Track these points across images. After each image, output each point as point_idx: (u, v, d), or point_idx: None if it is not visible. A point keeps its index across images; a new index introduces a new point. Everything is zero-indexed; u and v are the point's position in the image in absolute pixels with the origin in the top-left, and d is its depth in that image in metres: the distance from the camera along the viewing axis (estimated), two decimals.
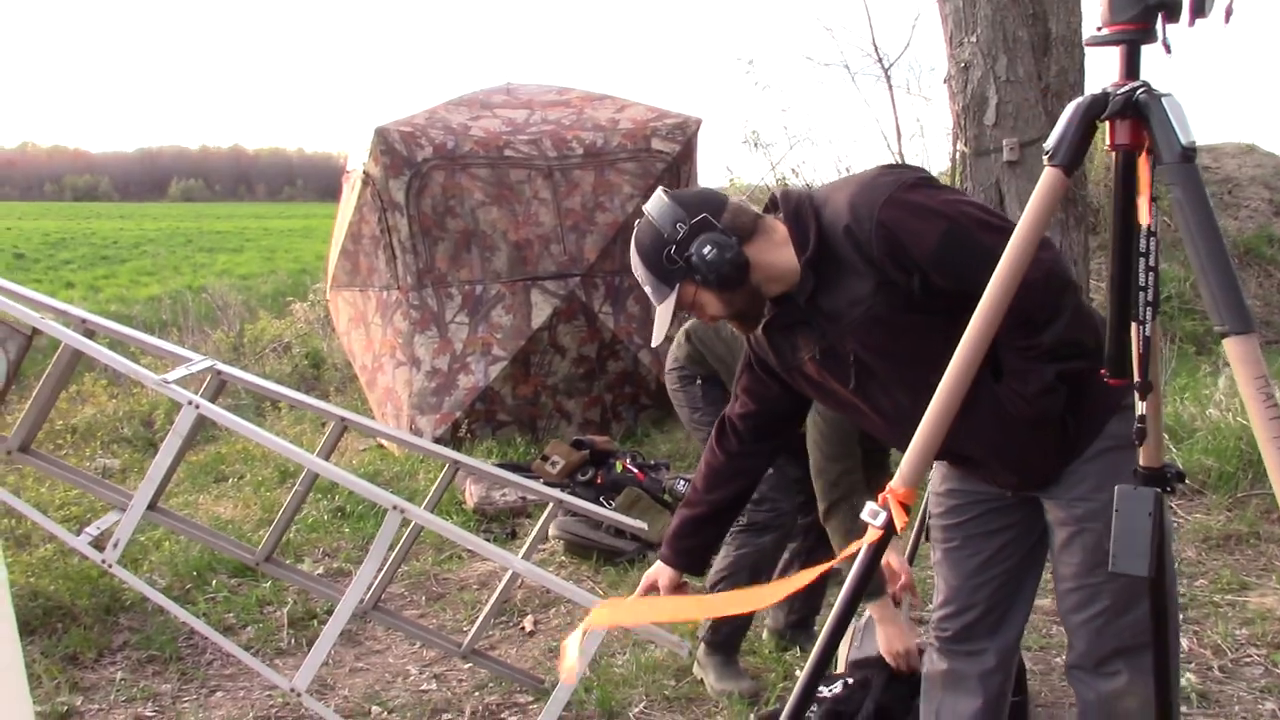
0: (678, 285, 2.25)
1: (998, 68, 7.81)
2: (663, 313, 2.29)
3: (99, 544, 2.88)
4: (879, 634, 3.17)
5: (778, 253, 2.24)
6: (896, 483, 1.76)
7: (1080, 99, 1.76)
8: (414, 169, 6.51)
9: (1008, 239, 1.78)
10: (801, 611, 4.02)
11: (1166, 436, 5.59)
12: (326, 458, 3.35)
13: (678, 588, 2.61)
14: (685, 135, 7.03)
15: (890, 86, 7.81)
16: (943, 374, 1.77)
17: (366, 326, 7.07)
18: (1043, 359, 2.14)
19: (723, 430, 2.58)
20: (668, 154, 6.93)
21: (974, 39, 7.90)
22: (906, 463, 1.76)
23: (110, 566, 2.84)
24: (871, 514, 1.77)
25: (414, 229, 6.57)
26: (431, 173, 6.55)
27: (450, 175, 6.58)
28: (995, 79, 7.84)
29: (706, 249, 2.19)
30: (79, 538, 2.87)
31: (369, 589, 3.23)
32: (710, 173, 8.94)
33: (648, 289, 2.31)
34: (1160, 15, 1.72)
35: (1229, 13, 1.73)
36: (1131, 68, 1.73)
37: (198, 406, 2.79)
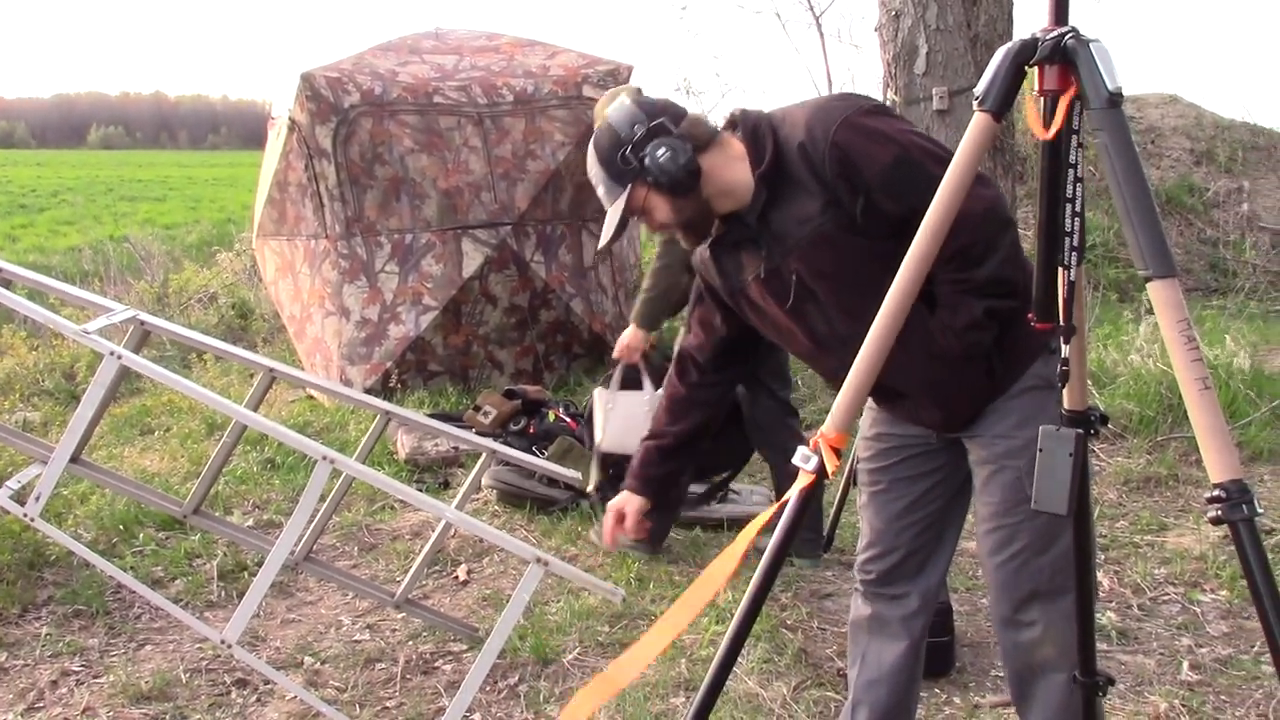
0: (629, 186, 2.29)
1: (928, 16, 7.82)
2: (612, 214, 2.33)
3: (20, 498, 2.82)
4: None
5: (732, 167, 2.28)
6: (828, 427, 1.77)
7: (1009, 44, 1.77)
8: (341, 115, 6.39)
9: None
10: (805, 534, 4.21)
11: (1090, 382, 5.71)
12: (255, 409, 3.30)
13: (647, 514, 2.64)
14: (617, 82, 6.95)
15: (821, 34, 7.81)
16: (880, 302, 1.79)
17: (294, 276, 6.96)
18: (974, 294, 2.18)
19: (681, 363, 2.61)
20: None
21: None
22: (838, 407, 1.77)
23: (33, 521, 2.79)
24: (803, 459, 1.78)
25: (342, 177, 6.46)
26: (359, 119, 6.43)
27: (378, 122, 6.46)
28: (925, 27, 7.86)
29: (660, 151, 2.23)
30: None
31: (299, 540, 3.20)
32: None
33: (600, 190, 2.35)
34: None
35: None
36: (1060, 13, 1.73)
37: (119, 357, 2.73)
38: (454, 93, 6.66)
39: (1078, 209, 1.81)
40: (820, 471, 1.76)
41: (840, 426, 1.77)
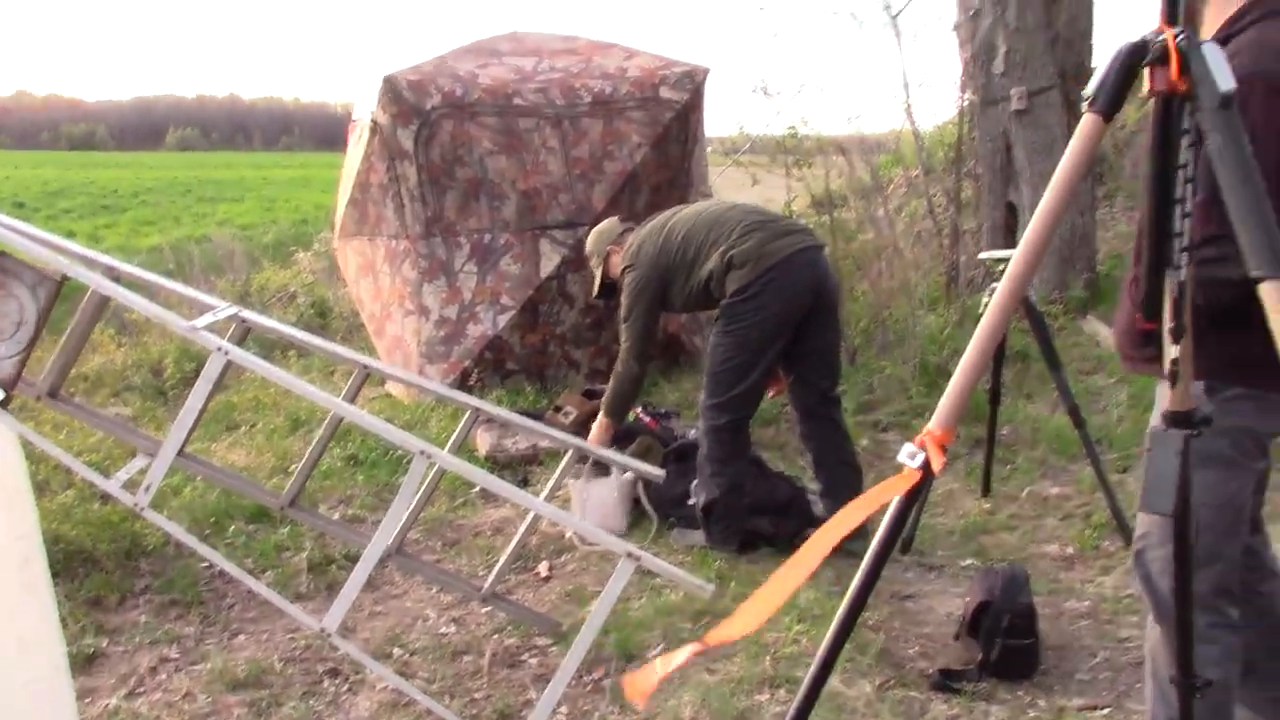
0: None
1: (1007, 15, 7.79)
2: None
3: (129, 488, 2.91)
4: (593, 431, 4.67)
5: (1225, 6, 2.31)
6: (935, 423, 1.79)
7: (1121, 45, 1.78)
8: (423, 117, 6.49)
9: None
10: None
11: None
12: (352, 402, 3.38)
13: None
14: (693, 84, 6.99)
15: (898, 34, 7.77)
16: None
17: (375, 275, 7.07)
18: None
19: None
20: (676, 103, 6.90)
21: None
22: (945, 403, 1.79)
23: (143, 510, 2.88)
24: (909, 455, 1.80)
25: (422, 178, 6.55)
26: (440, 121, 6.52)
27: (459, 124, 6.55)
28: (1004, 27, 7.82)
29: None
30: (110, 481, 2.90)
31: (393, 533, 3.27)
32: (718, 122, 8.91)
33: None
34: None
35: None
36: (1171, 14, 1.74)
37: (227, 353, 2.81)
38: (532, 94, 6.73)
39: (1188, 210, 1.81)
40: (926, 469, 1.78)
41: (947, 423, 1.78)
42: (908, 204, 9.18)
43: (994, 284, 4.59)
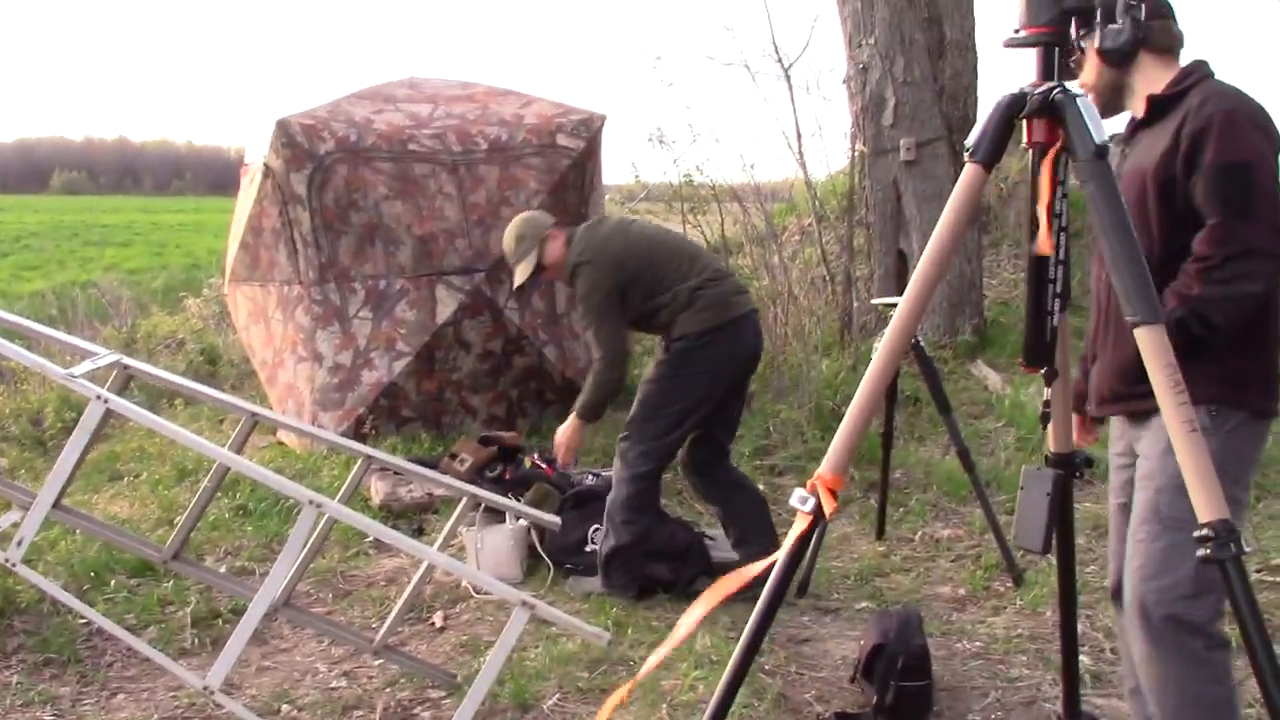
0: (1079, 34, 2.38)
1: (895, 69, 7.99)
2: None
3: (1, 543, 2.80)
4: (563, 429, 4.61)
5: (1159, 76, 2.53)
6: (825, 468, 1.81)
7: (1001, 98, 1.83)
8: (316, 162, 6.42)
9: None
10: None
11: None
12: (238, 452, 3.30)
13: None
14: (590, 131, 7.03)
15: (790, 86, 7.89)
16: None
17: (267, 321, 6.95)
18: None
19: None
20: (572, 150, 6.93)
21: (872, 41, 8.07)
22: (834, 450, 1.81)
23: (15, 566, 2.77)
24: (801, 500, 1.81)
25: (316, 222, 6.47)
26: (334, 166, 6.46)
27: (353, 169, 6.49)
28: (893, 80, 8.02)
29: (1114, 26, 2.38)
30: None
31: (280, 586, 3.19)
32: (615, 169, 8.97)
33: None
34: (1074, 20, 1.80)
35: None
36: (1048, 69, 1.80)
37: (106, 401, 2.73)
38: (429, 140, 6.70)
39: (1061, 257, 1.87)
40: (818, 513, 1.79)
41: (837, 468, 1.80)
42: (802, 251, 9.31)
43: (885, 329, 4.68)
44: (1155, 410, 2.30)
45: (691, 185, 7.84)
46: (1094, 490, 5.38)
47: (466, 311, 6.62)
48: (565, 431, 4.61)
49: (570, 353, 7.02)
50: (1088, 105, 1.74)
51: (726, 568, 4.32)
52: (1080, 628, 4.04)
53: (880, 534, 5.09)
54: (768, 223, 8.41)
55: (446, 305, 6.59)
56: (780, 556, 1.81)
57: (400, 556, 4.92)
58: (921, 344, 4.71)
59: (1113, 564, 2.66)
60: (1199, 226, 2.25)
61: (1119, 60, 2.40)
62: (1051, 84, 1.76)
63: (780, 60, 7.89)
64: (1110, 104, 2.49)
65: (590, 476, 5.17)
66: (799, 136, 7.90)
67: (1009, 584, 4.50)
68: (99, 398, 2.72)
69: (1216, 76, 2.45)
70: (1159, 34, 2.43)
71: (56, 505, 2.97)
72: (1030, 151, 1.80)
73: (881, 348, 1.78)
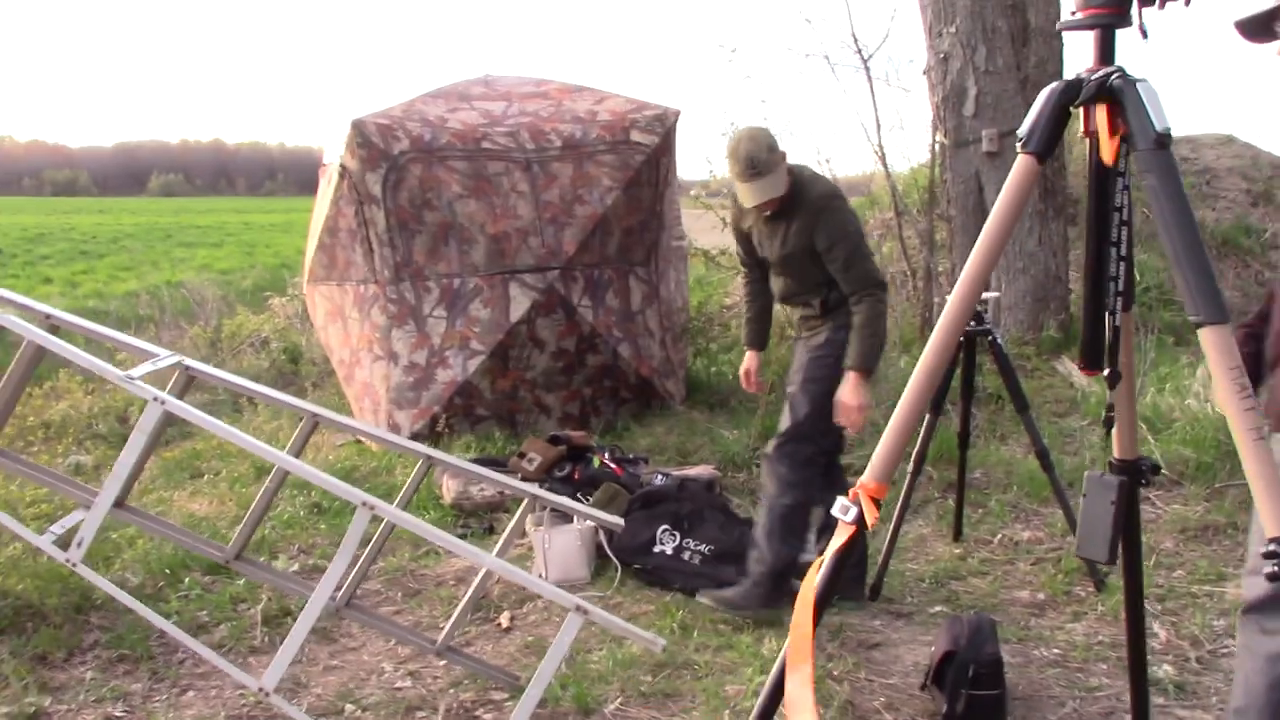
0: None
1: (977, 58, 7.81)
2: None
3: (64, 543, 2.83)
4: (845, 385, 3.94)
5: None
6: (868, 476, 1.73)
7: (1053, 84, 1.74)
8: (390, 162, 6.45)
9: None
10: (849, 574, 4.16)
11: (1146, 427, 5.60)
12: (297, 454, 3.30)
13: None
14: (664, 127, 6.98)
15: (869, 78, 7.76)
16: None
17: (344, 321, 7.01)
18: None
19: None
20: (646, 146, 6.88)
21: (953, 30, 7.89)
22: (878, 456, 1.73)
23: (75, 566, 2.79)
24: (843, 509, 1.73)
25: (391, 222, 6.51)
26: (408, 165, 6.48)
27: (427, 168, 6.51)
28: (974, 70, 7.83)
29: None
30: (43, 537, 2.82)
31: (340, 587, 3.18)
32: (690, 164, 8.88)
33: None
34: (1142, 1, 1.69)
35: None
36: (1106, 52, 1.70)
37: (163, 403, 2.74)
38: (502, 138, 6.70)
39: (1123, 253, 1.77)
40: (860, 523, 1.72)
41: (880, 475, 1.72)
42: (883, 246, 9.15)
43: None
44: None
45: None
46: (1180, 493, 5.20)
47: (540, 309, 6.61)
48: (851, 392, 3.96)
49: (645, 350, 6.97)
50: (1149, 90, 1.64)
51: (800, 567, 4.27)
52: (1165, 635, 3.93)
53: (957, 535, 4.96)
54: None
55: (520, 303, 6.58)
56: (822, 570, 1.73)
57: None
58: (999, 340, 4.57)
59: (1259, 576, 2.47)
60: None
61: None
62: (1110, 69, 1.66)
63: (859, 51, 7.77)
64: None
65: (659, 476, 5.12)
66: (878, 129, 7.76)
67: (1090, 589, 4.35)
68: (156, 399, 2.73)
69: None
70: None
71: (120, 505, 2.98)
72: (1087, 141, 1.70)
73: (925, 351, 1.69)
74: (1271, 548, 1.48)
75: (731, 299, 9.32)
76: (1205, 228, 10.09)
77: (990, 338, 4.53)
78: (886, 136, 7.69)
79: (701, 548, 4.53)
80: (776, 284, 4.28)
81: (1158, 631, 3.95)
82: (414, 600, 4.59)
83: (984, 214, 7.71)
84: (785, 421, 4.14)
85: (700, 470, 5.49)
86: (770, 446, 4.16)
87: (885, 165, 7.87)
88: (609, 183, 6.78)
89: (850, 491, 1.71)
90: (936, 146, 8.12)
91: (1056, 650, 3.91)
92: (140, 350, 3.22)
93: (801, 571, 4.16)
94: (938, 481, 5.60)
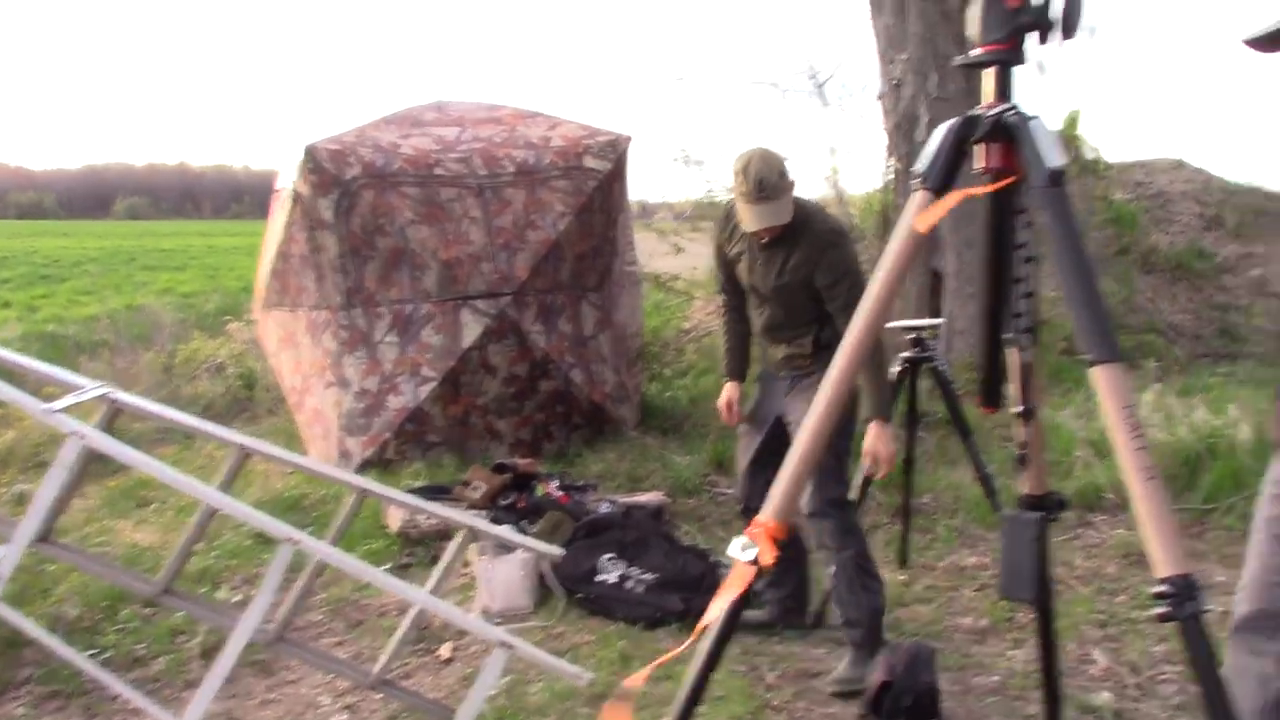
0: None
1: (929, 85, 7.87)
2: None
3: None
4: (870, 434, 3.81)
5: None
6: (767, 514, 1.72)
7: (951, 120, 1.74)
8: (343, 188, 6.42)
9: None
10: (780, 605, 4.28)
11: (1092, 452, 5.63)
12: (227, 487, 3.26)
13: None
14: (616, 153, 6.98)
15: (823, 104, 7.81)
16: None
17: (296, 347, 6.96)
18: None
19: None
20: (599, 171, 6.88)
21: (905, 57, 7.96)
22: (777, 493, 1.72)
23: None
24: (742, 548, 1.72)
25: (343, 248, 6.47)
26: (361, 191, 6.46)
27: (380, 194, 6.48)
28: (926, 96, 7.89)
29: None
30: None
31: (271, 620, 3.14)
32: (642, 190, 8.88)
33: None
34: (1031, 35, 1.70)
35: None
36: (1002, 89, 1.71)
37: (83, 437, 2.70)
38: (455, 164, 6.68)
39: (1029, 289, 1.76)
40: (758, 563, 1.71)
41: (781, 513, 1.71)
42: None
43: (902, 353, 4.57)
44: None
45: (716, 205, 7.76)
46: (1124, 518, 5.22)
47: (492, 335, 6.59)
48: (882, 442, 3.84)
49: (598, 376, 6.96)
50: (1043, 128, 1.64)
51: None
52: (1105, 661, 3.94)
53: (903, 562, 4.96)
54: None
55: (472, 329, 6.56)
56: (719, 614, 1.71)
57: (415, 583, 4.87)
58: (940, 367, 4.59)
59: (1252, 593, 2.47)
60: None
61: None
62: (1005, 105, 1.67)
63: (813, 77, 7.82)
64: None
65: (605, 504, 5.09)
66: (832, 154, 7.80)
67: (1032, 615, 4.34)
68: (75, 433, 2.69)
69: None
70: None
71: (45, 539, 2.93)
72: (984, 177, 1.70)
73: (825, 384, 1.69)
74: (1162, 588, 1.48)
75: (689, 324, 9.33)
76: (1159, 251, 10.21)
77: (934, 364, 4.55)
78: (840, 161, 7.73)
79: (646, 576, 4.50)
80: (761, 315, 4.06)
81: (1097, 658, 3.97)
82: (357, 631, 4.55)
83: (935, 239, 7.77)
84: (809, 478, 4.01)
85: (649, 497, 5.48)
86: (806, 506, 3.88)
87: (838, 190, 7.91)
88: (562, 208, 6.77)
89: (748, 530, 1.70)
90: (890, 172, 8.17)
91: (996, 678, 3.91)
92: (65, 383, 3.17)
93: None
94: (885, 507, 5.61)
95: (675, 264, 8.32)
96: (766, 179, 3.71)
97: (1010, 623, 4.36)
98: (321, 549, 2.74)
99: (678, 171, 8.13)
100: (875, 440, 3.82)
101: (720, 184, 7.87)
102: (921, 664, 3.49)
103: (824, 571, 3.97)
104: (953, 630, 4.36)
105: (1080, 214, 9.43)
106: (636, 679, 1.89)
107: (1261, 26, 2.26)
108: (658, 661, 1.85)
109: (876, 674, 3.53)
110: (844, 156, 8.81)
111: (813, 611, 4.34)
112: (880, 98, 8.27)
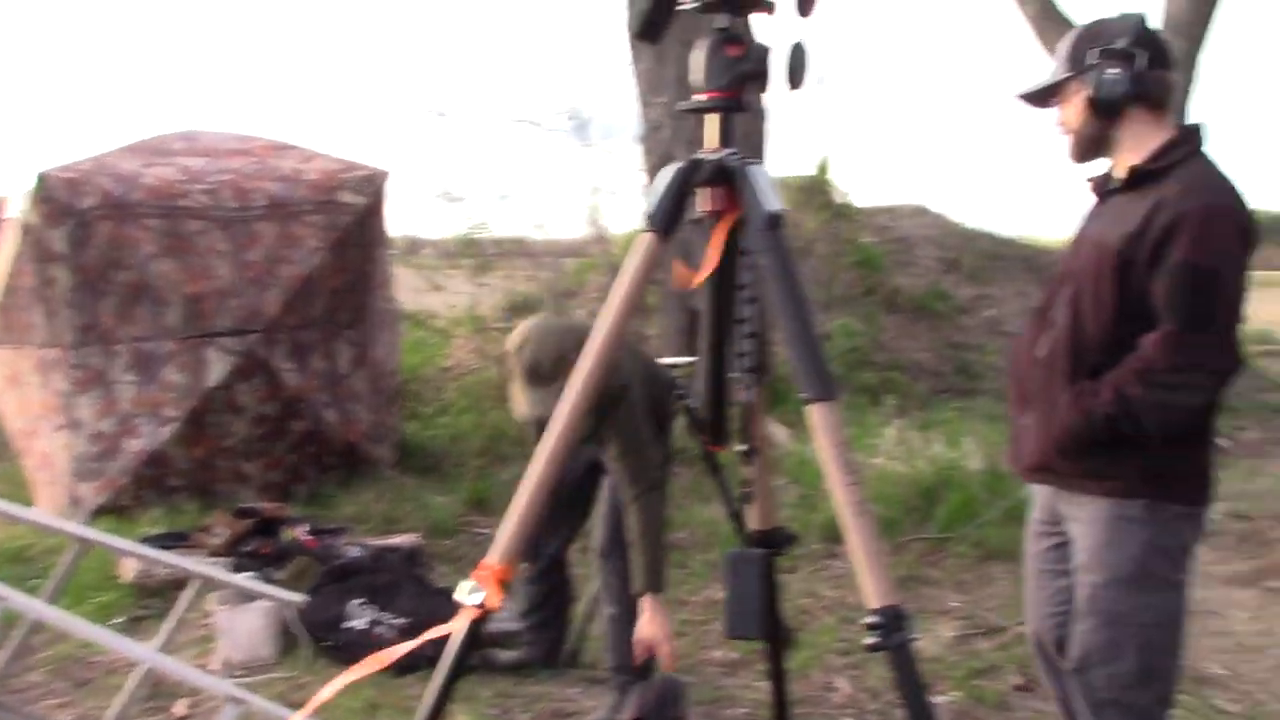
0: (1069, 77, 2.40)
1: (685, 128, 8.06)
2: (1040, 82, 2.47)
3: None
4: (644, 617, 3.33)
5: (1144, 137, 2.36)
6: (494, 557, 1.69)
7: (676, 164, 1.78)
8: (77, 218, 6.05)
9: None
10: (544, 645, 4.22)
11: None
12: None
13: None
14: (373, 187, 6.85)
15: (584, 144, 7.90)
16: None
17: (22, 386, 6.50)
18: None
19: None
20: (355, 206, 6.73)
21: (663, 100, 8.13)
22: (504, 536, 1.70)
23: None
24: (469, 592, 1.69)
25: (76, 281, 6.10)
26: (97, 222, 6.11)
27: (118, 225, 6.15)
28: (683, 140, 8.08)
29: (1111, 72, 2.32)
30: None
31: None
32: (401, 225, 8.76)
33: (1057, 54, 2.46)
34: (752, 84, 1.75)
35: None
36: (725, 135, 1.75)
37: None
38: (202, 196, 6.41)
39: (752, 329, 1.81)
40: (485, 606, 1.68)
41: (508, 556, 1.69)
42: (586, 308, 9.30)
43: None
44: (1082, 487, 2.38)
45: (476, 243, 7.73)
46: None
47: (239, 374, 6.33)
48: (650, 624, 3.36)
49: (353, 415, 6.78)
50: (761, 173, 1.69)
51: (497, 638, 4.22)
52: (846, 689, 4.07)
53: None
54: (564, 280, 8.37)
55: (217, 367, 6.28)
56: (448, 659, 1.68)
57: (149, 636, 4.60)
58: (693, 404, 4.66)
59: (1032, 613, 2.67)
60: (1150, 319, 2.21)
61: (1108, 112, 2.33)
62: (727, 150, 1.71)
63: (574, 117, 7.89)
64: (1089, 152, 2.45)
65: (356, 549, 4.95)
66: (593, 193, 7.89)
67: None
68: None
69: (1206, 151, 2.36)
70: (1154, 86, 2.33)
71: None
72: (706, 220, 1.74)
73: (550, 430, 1.68)
74: (872, 619, 1.54)
75: (450, 361, 9.23)
76: (902, 292, 10.75)
77: (686, 402, 4.62)
78: (601, 200, 7.82)
79: (397, 621, 4.39)
80: None
81: (840, 686, 4.09)
82: (83, 690, 4.24)
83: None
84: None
85: (402, 539, 5.35)
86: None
87: (600, 229, 8.01)
88: (315, 243, 6.59)
89: (475, 573, 1.67)
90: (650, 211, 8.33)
91: (744, 709, 3.98)
92: None
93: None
94: None
95: (435, 301, 8.22)
96: (540, 365, 3.37)
97: (760, 654, 4.45)
98: (35, 606, 2.54)
99: (440, 208, 8.04)
100: (647, 624, 3.34)
101: (479, 221, 7.84)
102: (670, 699, 3.51)
103: (603, 611, 3.92)
104: (705, 664, 4.42)
105: (830, 256, 9.82)
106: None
107: (1033, 83, 2.48)
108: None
109: (628, 711, 3.54)
110: (606, 196, 8.88)
111: (567, 650, 4.32)
112: (640, 140, 8.43)
